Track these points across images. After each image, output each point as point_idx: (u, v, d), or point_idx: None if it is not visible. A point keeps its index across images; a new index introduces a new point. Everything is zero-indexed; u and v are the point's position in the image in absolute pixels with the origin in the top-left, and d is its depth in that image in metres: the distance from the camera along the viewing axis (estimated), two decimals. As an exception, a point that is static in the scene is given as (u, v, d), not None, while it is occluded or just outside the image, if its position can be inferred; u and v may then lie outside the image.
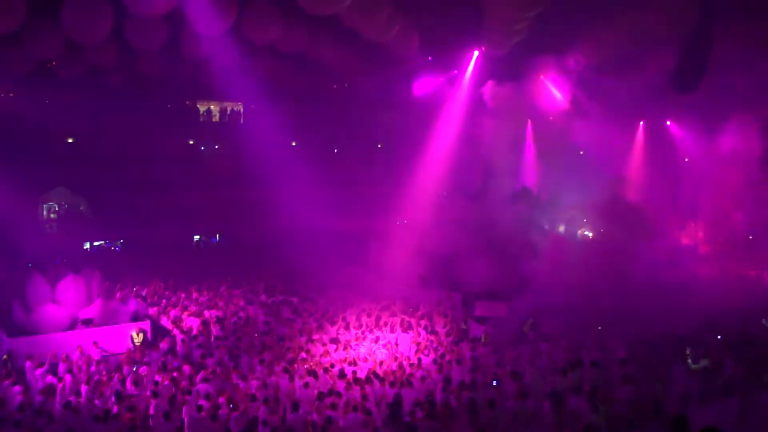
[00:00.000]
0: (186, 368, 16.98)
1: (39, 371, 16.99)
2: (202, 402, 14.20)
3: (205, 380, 15.90)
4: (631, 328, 19.99)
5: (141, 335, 20.57)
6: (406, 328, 21.50)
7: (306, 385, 15.30)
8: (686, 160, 34.07)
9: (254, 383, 15.79)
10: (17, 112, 34.12)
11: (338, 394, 14.55)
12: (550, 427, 10.67)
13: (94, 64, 24.92)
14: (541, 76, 28.21)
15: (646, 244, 26.35)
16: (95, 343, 18.96)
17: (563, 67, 26.44)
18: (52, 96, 35.48)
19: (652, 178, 31.21)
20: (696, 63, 18.31)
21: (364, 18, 19.04)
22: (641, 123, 33.68)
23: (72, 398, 15.05)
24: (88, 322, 20.92)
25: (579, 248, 28.83)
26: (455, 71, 30.25)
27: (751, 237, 31.39)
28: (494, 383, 14.48)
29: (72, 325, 20.73)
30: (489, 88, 28.23)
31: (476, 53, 27.91)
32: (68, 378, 16.46)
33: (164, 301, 25.14)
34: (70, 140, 40.80)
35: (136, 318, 22.02)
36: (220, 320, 22.03)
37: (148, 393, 15.33)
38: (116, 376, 16.92)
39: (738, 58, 21.02)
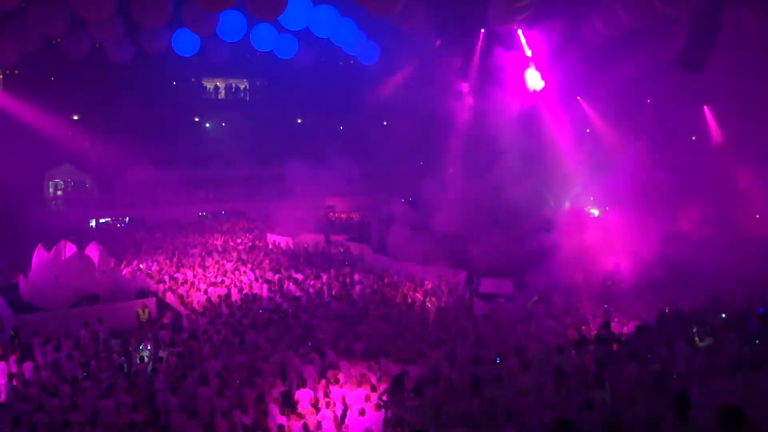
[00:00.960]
0: (192, 344, 17.03)
1: (47, 347, 17.08)
2: (209, 377, 14.26)
3: (211, 356, 15.95)
4: (637, 305, 20.04)
5: (146, 312, 20.63)
6: (410, 305, 21.56)
7: (311, 361, 15.34)
8: (693, 138, 33.91)
9: (260, 359, 15.85)
10: (23, 91, 34.07)
11: (342, 371, 14.61)
12: (553, 403, 10.68)
13: (100, 41, 24.83)
14: (546, 52, 28.07)
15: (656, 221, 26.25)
16: (100, 320, 19.01)
17: (571, 43, 26.26)
18: (58, 73, 35.49)
19: (659, 157, 31.01)
20: (703, 41, 18.19)
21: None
22: (648, 101, 33.45)
23: (78, 373, 15.12)
24: (93, 299, 20.99)
25: (587, 225, 28.72)
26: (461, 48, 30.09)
27: (758, 216, 31.33)
28: (497, 360, 14.48)
29: (78, 302, 20.80)
30: (496, 56, 28.05)
31: (483, 31, 27.76)
32: (75, 354, 16.54)
33: (169, 277, 25.21)
34: (75, 117, 40.79)
35: (141, 295, 22.10)
36: (225, 297, 22.08)
37: (154, 369, 15.41)
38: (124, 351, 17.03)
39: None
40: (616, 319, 18.06)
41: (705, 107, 32.62)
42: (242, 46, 29.11)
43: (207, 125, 47.32)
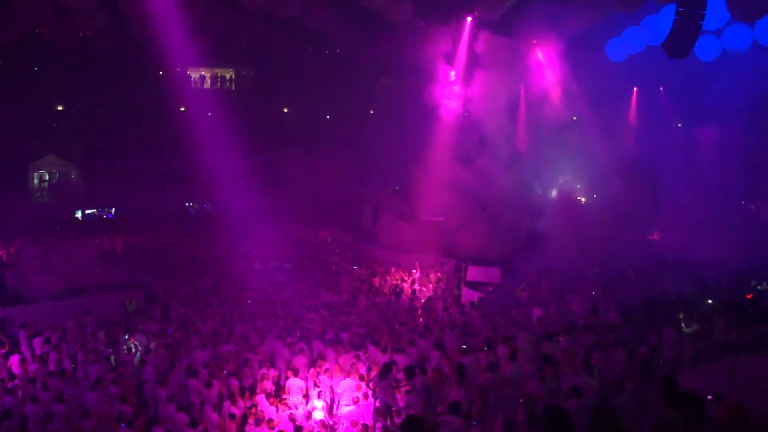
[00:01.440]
0: (179, 335, 16.98)
1: (36, 340, 16.96)
2: (197, 368, 14.22)
3: (198, 347, 15.90)
4: (624, 292, 20.12)
5: (134, 303, 20.55)
6: (399, 293, 21.60)
7: (300, 350, 15.32)
8: (679, 125, 34.03)
9: (248, 350, 15.83)
10: (6, 80, 33.71)
11: (331, 361, 14.61)
12: (542, 391, 10.72)
13: (85, 29, 24.61)
14: (533, 41, 28.07)
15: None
16: (87, 312, 18.90)
17: (556, 31, 26.25)
18: (42, 62, 35.18)
19: (644, 144, 31.10)
20: (689, 28, 18.24)
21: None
22: (635, 89, 33.47)
23: (66, 365, 15.05)
24: (81, 290, 20.90)
25: (573, 212, 28.79)
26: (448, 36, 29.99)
27: (743, 202, 31.55)
28: (486, 348, 14.51)
29: (65, 294, 20.69)
30: (483, 39, 28.01)
31: (469, 19, 27.69)
32: (63, 346, 16.45)
33: (157, 268, 25.11)
34: (60, 107, 40.45)
35: (129, 286, 22.01)
36: (213, 287, 22.03)
37: (142, 360, 15.37)
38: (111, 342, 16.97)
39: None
40: (603, 306, 18.09)
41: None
42: (228, 35, 28.93)
43: (193, 115, 46.98)
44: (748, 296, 13.43)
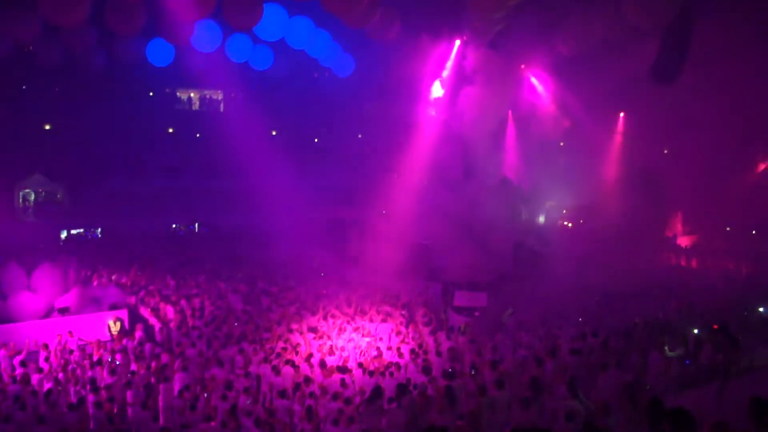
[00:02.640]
0: (164, 357, 16.83)
1: (16, 359, 16.76)
2: (181, 391, 14.08)
3: (183, 369, 15.74)
4: (610, 316, 20.17)
5: (118, 324, 20.38)
6: (386, 317, 21.49)
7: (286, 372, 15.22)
8: (665, 151, 34.23)
9: (233, 373, 15.71)
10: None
11: (316, 384, 14.51)
12: (529, 416, 10.67)
13: (73, 48, 24.58)
14: (522, 66, 28.26)
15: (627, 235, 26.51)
16: (70, 332, 18.71)
17: (544, 56, 26.46)
18: (30, 81, 35.06)
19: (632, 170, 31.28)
20: (676, 54, 18.46)
21: (344, 4, 18.89)
22: (621, 114, 33.71)
23: (47, 386, 14.86)
24: (64, 311, 20.71)
25: (560, 238, 28.92)
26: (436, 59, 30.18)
27: (728, 229, 31.71)
28: (472, 372, 14.47)
29: (48, 314, 20.50)
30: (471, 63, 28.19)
31: (458, 42, 27.87)
32: (45, 366, 16.27)
33: (142, 290, 24.91)
34: (47, 127, 40.32)
35: (113, 306, 21.82)
36: (199, 309, 21.87)
37: (125, 382, 15.19)
38: (93, 364, 16.76)
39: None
40: (590, 330, 18.10)
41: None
42: (217, 56, 28.94)
43: (181, 136, 46.90)
44: (715, 326, 13.45)
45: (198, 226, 42.09)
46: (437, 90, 30.02)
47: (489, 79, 27.62)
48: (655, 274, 24.59)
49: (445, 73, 29.79)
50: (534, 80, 28.94)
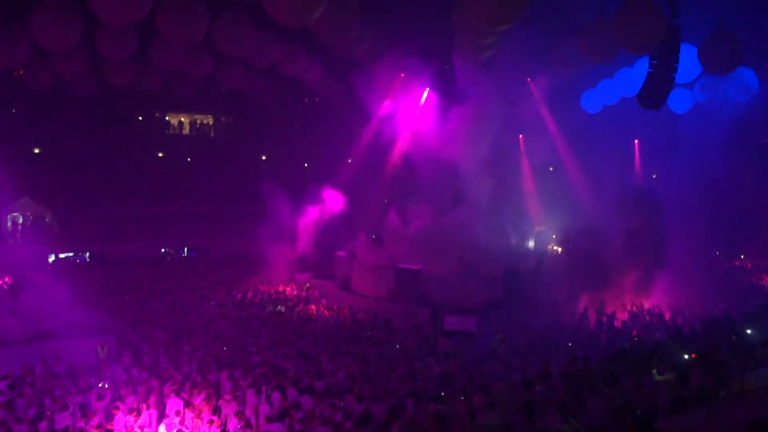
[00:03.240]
0: (153, 382, 16.68)
1: (2, 384, 16.56)
2: (168, 416, 13.95)
3: (173, 393, 15.60)
4: (598, 340, 20.19)
5: (106, 348, 20.20)
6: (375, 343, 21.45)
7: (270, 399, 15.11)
8: (654, 176, 34.50)
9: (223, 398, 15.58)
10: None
11: (306, 410, 14.41)
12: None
13: (64, 73, 24.65)
14: (511, 91, 28.50)
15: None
16: (57, 356, 18.55)
17: (534, 81, 26.74)
18: (19, 105, 35.05)
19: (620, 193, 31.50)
20: (662, 81, 18.66)
21: (334, 31, 19.02)
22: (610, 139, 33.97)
23: (33, 412, 14.68)
24: (51, 335, 20.52)
25: (549, 262, 29.00)
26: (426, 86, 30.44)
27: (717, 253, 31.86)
28: (462, 397, 14.41)
29: (35, 338, 20.30)
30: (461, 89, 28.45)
31: (447, 67, 28.12)
32: (27, 392, 16.07)
33: (131, 314, 24.76)
34: (36, 150, 40.30)
35: (101, 331, 21.65)
36: (188, 333, 21.75)
37: (113, 407, 15.03)
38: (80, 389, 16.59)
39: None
40: (581, 354, 18.11)
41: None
42: (207, 82, 29.09)
43: (171, 161, 46.95)
44: (693, 354, 13.49)
45: (187, 250, 41.92)
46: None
47: (478, 104, 27.85)
48: (650, 297, 24.67)
49: (435, 100, 30.04)
50: (522, 106, 29.16)
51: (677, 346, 15.41)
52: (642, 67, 20.07)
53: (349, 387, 16.36)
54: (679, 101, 23.44)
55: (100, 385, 16.48)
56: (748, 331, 16.32)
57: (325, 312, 25.98)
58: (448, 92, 29.07)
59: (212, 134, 50.02)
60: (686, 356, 13.72)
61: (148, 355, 19.60)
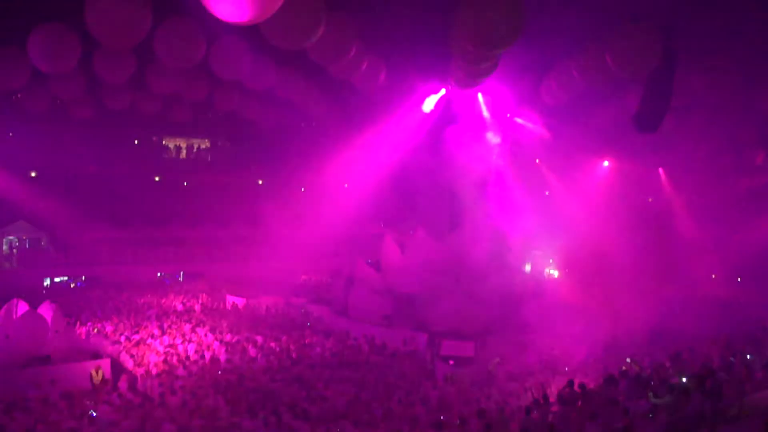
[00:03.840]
0: (147, 406, 16.55)
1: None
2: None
3: (167, 420, 15.47)
4: (597, 364, 20.10)
5: (100, 373, 20.07)
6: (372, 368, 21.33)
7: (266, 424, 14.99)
8: (649, 200, 34.56)
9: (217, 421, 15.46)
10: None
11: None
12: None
13: (61, 96, 24.72)
14: (508, 114, 28.60)
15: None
16: (52, 381, 18.41)
17: (530, 105, 26.85)
18: (16, 128, 35.09)
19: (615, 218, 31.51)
20: (657, 103, 18.76)
21: (331, 55, 19.11)
22: (605, 163, 34.10)
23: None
24: (45, 360, 20.38)
25: (545, 287, 28.94)
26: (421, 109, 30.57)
27: (714, 276, 31.83)
28: (458, 422, 14.33)
29: (29, 362, 20.15)
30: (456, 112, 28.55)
31: (443, 90, 28.24)
32: (20, 417, 15.92)
33: (125, 338, 24.60)
34: (33, 174, 40.33)
35: (95, 355, 21.52)
36: (183, 359, 21.61)
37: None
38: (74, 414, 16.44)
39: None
40: (578, 379, 18.02)
41: (660, 169, 33.44)
42: (205, 105, 29.16)
43: (167, 184, 46.99)
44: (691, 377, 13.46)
45: (183, 274, 41.79)
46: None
47: (474, 127, 27.96)
48: (653, 320, 24.58)
49: (430, 123, 30.15)
50: (518, 128, 29.31)
51: (676, 368, 15.35)
52: (636, 91, 20.21)
53: (346, 412, 16.26)
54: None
55: (90, 413, 16.33)
56: (748, 356, 16.30)
57: (321, 337, 25.86)
58: (446, 116, 29.20)
59: (209, 158, 50.11)
60: (684, 379, 13.66)
61: (143, 379, 19.46)
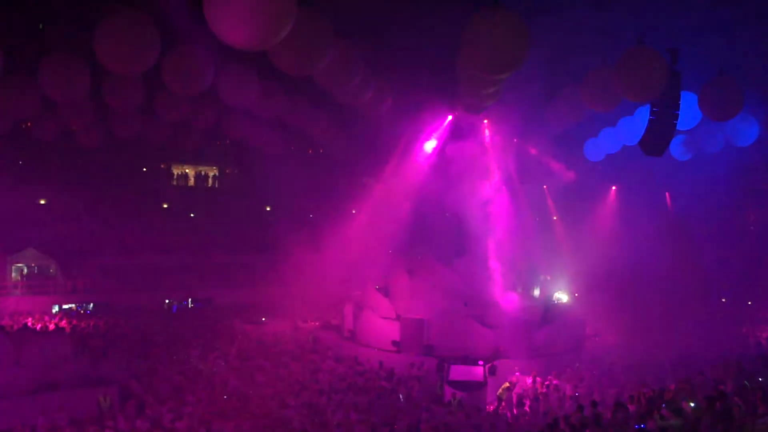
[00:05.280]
0: (154, 432, 16.51)
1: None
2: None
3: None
4: (606, 387, 19.98)
5: (108, 399, 20.02)
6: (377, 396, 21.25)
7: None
8: (655, 224, 34.50)
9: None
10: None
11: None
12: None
13: (70, 124, 24.89)
14: (515, 140, 28.69)
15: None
16: (60, 407, 18.38)
17: (536, 130, 26.90)
18: (26, 156, 35.34)
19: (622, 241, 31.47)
20: (664, 127, 18.76)
21: (338, 81, 19.22)
22: (613, 188, 34.12)
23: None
24: (54, 386, 20.35)
25: (553, 311, 28.85)
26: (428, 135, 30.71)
27: (723, 300, 31.67)
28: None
29: (37, 389, 20.13)
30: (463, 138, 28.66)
31: (449, 117, 28.36)
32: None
33: (134, 365, 24.56)
34: (42, 201, 40.58)
35: (103, 382, 21.48)
36: (191, 385, 21.57)
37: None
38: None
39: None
40: (588, 403, 17.92)
41: (666, 193, 33.46)
42: (212, 133, 29.31)
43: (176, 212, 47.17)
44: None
45: (191, 301, 41.77)
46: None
47: (481, 152, 28.05)
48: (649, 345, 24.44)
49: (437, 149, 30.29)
50: (523, 154, 29.38)
51: (687, 391, 15.23)
52: (643, 115, 20.20)
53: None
54: (680, 148, 23.64)
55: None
56: (760, 379, 16.18)
57: (330, 362, 25.77)
58: (453, 141, 29.31)
59: (217, 185, 50.37)
60: (695, 403, 13.55)
61: (152, 406, 19.40)
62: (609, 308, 26.95)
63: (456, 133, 28.37)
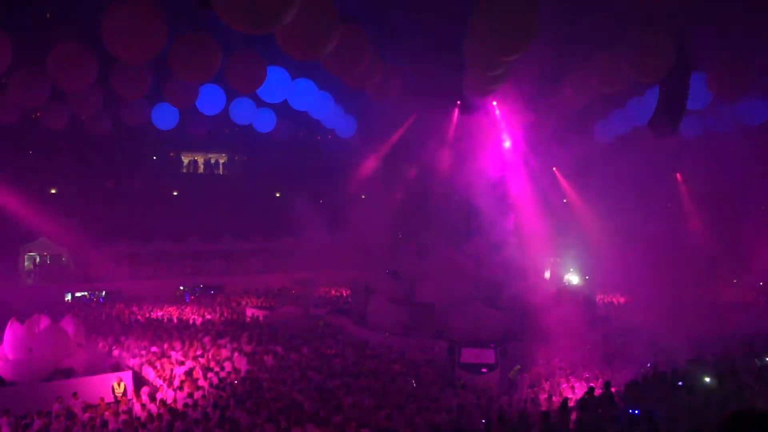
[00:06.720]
0: (167, 418, 16.61)
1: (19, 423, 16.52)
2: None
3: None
4: (618, 369, 19.98)
5: (122, 386, 20.17)
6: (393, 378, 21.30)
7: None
8: (668, 206, 34.36)
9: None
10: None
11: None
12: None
13: (79, 113, 24.93)
14: (522, 122, 28.58)
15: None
16: (75, 394, 18.53)
17: (544, 113, 26.79)
18: (35, 146, 35.44)
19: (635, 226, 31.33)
20: (673, 106, 18.65)
21: (345, 65, 19.15)
22: (624, 169, 33.90)
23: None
24: (67, 373, 20.53)
25: (565, 295, 28.80)
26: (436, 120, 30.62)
27: (735, 281, 31.53)
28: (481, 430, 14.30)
29: (51, 375, 20.32)
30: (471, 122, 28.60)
31: (458, 102, 28.25)
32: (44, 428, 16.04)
33: (146, 351, 24.71)
34: (53, 191, 40.76)
35: (117, 368, 21.64)
36: (204, 370, 21.68)
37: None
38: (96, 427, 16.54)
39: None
40: (599, 384, 17.95)
41: (677, 174, 33.27)
42: (221, 120, 29.28)
43: (185, 199, 47.30)
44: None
45: (203, 287, 41.96)
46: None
47: (489, 139, 27.97)
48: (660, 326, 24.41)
49: (445, 134, 30.19)
50: (532, 138, 29.27)
51: (699, 370, 15.24)
52: (652, 96, 20.10)
53: (367, 421, 16.23)
54: (688, 127, 23.52)
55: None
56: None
57: (341, 347, 25.85)
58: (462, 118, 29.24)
59: (226, 172, 50.46)
60: (708, 380, 13.58)
61: (164, 391, 19.54)
62: (624, 289, 26.87)
63: (465, 110, 28.16)
